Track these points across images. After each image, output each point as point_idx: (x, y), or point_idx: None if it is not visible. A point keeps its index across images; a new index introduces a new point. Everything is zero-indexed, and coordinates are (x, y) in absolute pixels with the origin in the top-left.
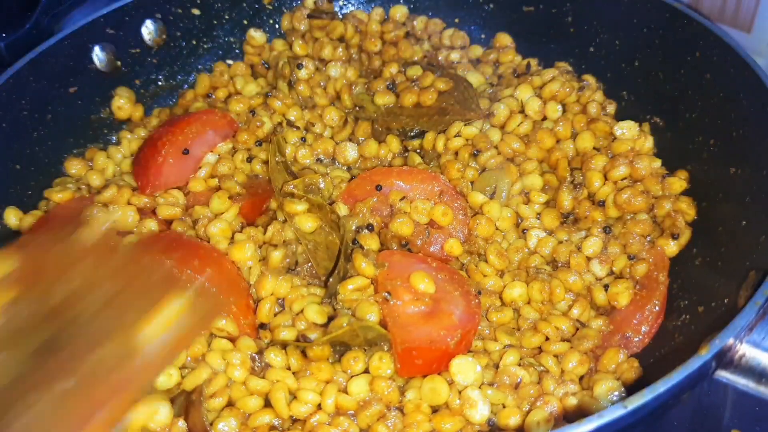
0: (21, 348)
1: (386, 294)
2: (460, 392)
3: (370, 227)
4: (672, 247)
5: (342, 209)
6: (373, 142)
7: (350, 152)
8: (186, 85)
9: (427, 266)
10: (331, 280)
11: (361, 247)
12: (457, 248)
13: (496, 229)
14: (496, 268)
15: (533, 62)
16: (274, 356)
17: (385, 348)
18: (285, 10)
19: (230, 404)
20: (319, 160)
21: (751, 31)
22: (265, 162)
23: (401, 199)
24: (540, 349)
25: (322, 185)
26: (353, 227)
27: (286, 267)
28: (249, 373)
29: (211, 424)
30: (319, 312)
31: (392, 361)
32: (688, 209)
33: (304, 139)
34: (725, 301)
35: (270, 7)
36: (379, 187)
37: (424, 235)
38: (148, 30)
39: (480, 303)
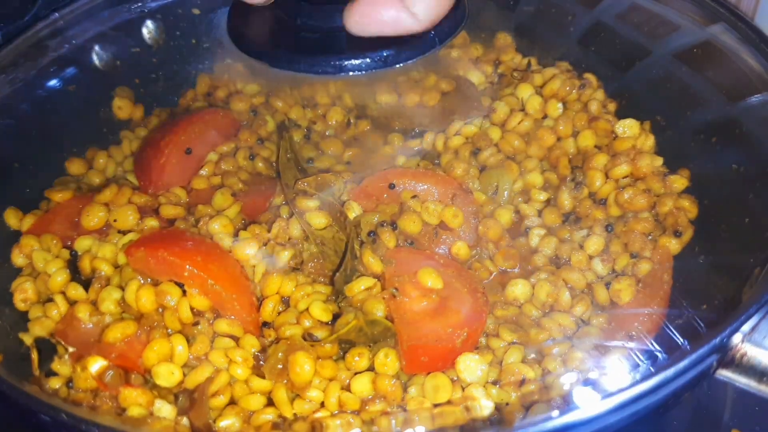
0: None
1: (393, 290)
2: (463, 389)
3: (393, 225)
4: (674, 245)
5: (355, 208)
6: (374, 141)
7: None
8: (186, 85)
9: (434, 263)
10: (336, 276)
11: (374, 241)
12: (464, 251)
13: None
14: (502, 268)
15: (533, 61)
16: None
17: (391, 344)
18: None
19: (233, 402)
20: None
21: None
22: (267, 159)
23: (412, 197)
24: (542, 348)
25: (333, 185)
26: (375, 220)
27: (292, 266)
28: (252, 372)
29: (213, 422)
30: (324, 310)
31: (398, 358)
32: (690, 207)
33: (308, 137)
34: (727, 299)
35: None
36: (392, 186)
37: (432, 236)
38: (147, 29)
39: (488, 300)
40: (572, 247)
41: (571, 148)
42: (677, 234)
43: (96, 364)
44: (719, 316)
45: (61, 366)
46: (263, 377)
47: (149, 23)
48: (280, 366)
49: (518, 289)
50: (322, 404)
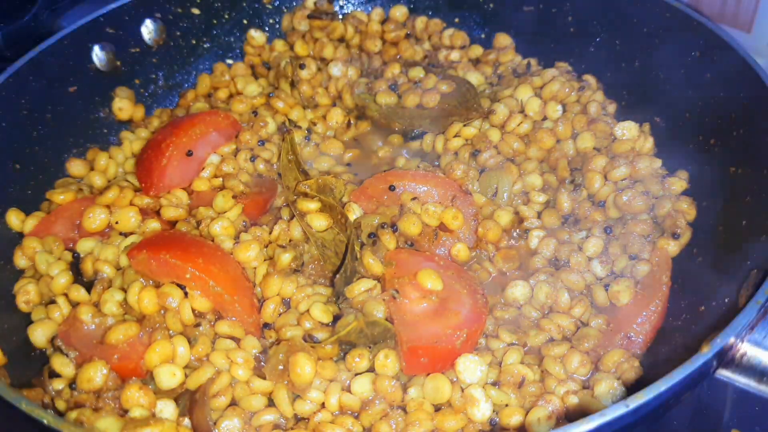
0: None
1: (393, 291)
2: (462, 390)
3: (394, 227)
4: (673, 247)
5: (355, 210)
6: (374, 141)
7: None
8: (186, 85)
9: (434, 264)
10: (337, 277)
11: (374, 242)
12: (464, 253)
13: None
14: (502, 270)
15: (533, 62)
16: None
17: (391, 345)
18: (285, 10)
19: (234, 403)
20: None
21: (750, 31)
22: (268, 161)
23: (412, 200)
24: (541, 350)
25: (334, 187)
26: (375, 222)
27: (292, 268)
28: (253, 373)
29: (214, 423)
30: (325, 311)
31: (398, 359)
32: (688, 209)
33: (308, 138)
34: (726, 300)
35: (270, 7)
36: (392, 188)
37: (432, 237)
38: (147, 29)
39: (487, 302)
40: (571, 249)
41: (570, 150)
42: (675, 236)
43: None
44: (718, 316)
45: (64, 367)
46: (264, 378)
47: (149, 23)
48: (281, 367)
49: (518, 290)
50: (323, 405)
